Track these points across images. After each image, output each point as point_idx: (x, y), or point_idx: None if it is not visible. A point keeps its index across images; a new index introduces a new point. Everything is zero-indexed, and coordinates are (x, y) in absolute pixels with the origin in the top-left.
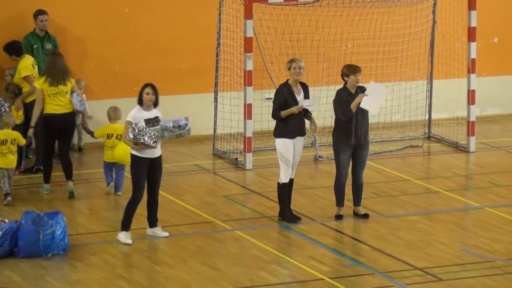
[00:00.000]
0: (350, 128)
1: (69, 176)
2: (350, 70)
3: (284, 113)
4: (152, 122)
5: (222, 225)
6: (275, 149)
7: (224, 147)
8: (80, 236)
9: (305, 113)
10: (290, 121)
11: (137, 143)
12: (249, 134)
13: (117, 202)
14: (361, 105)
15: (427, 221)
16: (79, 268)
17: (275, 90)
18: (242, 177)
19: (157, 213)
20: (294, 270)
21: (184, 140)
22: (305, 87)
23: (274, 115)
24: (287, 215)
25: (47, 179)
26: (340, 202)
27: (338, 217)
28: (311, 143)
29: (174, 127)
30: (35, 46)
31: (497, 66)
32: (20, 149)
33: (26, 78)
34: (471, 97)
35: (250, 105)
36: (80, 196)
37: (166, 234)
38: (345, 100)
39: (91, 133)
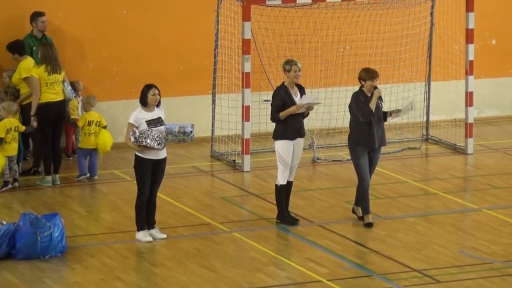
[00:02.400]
0: (371, 132)
1: (56, 170)
2: (368, 75)
3: (283, 114)
4: (154, 122)
5: (220, 227)
6: (273, 151)
7: (222, 149)
8: (78, 238)
9: (303, 114)
10: (289, 122)
11: (139, 146)
12: (247, 136)
13: (115, 204)
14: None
15: (425, 223)
16: (77, 270)
17: (272, 92)
18: (240, 179)
19: (155, 214)
20: (292, 272)
21: None
22: (301, 89)
23: (273, 118)
24: (285, 217)
25: (48, 171)
26: (367, 209)
27: (368, 225)
28: (309, 145)
29: (179, 132)
30: (34, 48)
31: (495, 68)
32: (18, 151)
33: (25, 80)
34: (469, 99)
35: (248, 107)
36: (78, 198)
37: (164, 235)
38: (363, 102)
39: (75, 124)
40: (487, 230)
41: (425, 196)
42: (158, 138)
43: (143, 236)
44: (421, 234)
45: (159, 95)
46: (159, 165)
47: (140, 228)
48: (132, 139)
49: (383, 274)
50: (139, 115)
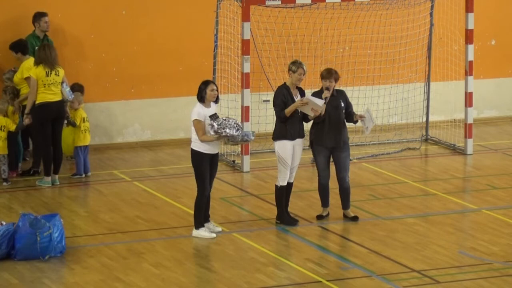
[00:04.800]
0: (322, 130)
1: (56, 170)
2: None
3: (288, 110)
4: (213, 118)
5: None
6: (272, 151)
7: (221, 149)
8: (77, 239)
9: (303, 117)
10: (289, 123)
11: (219, 137)
12: None
13: (114, 204)
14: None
15: (425, 224)
16: (76, 270)
17: (272, 93)
18: (239, 179)
19: (209, 208)
20: (292, 273)
21: (181, 142)
22: (301, 91)
23: (279, 116)
24: (284, 218)
25: (47, 172)
26: (323, 202)
27: (319, 217)
28: (308, 146)
29: (242, 140)
30: (36, 48)
31: (494, 68)
32: (17, 151)
33: (27, 79)
34: (468, 99)
35: (247, 108)
36: (77, 198)
37: (220, 229)
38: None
39: (73, 124)
40: (487, 231)
41: (424, 196)
42: (236, 125)
43: (205, 232)
44: (421, 234)
45: (217, 90)
46: (214, 159)
47: (200, 225)
48: (212, 132)
49: (382, 274)
50: (202, 111)
